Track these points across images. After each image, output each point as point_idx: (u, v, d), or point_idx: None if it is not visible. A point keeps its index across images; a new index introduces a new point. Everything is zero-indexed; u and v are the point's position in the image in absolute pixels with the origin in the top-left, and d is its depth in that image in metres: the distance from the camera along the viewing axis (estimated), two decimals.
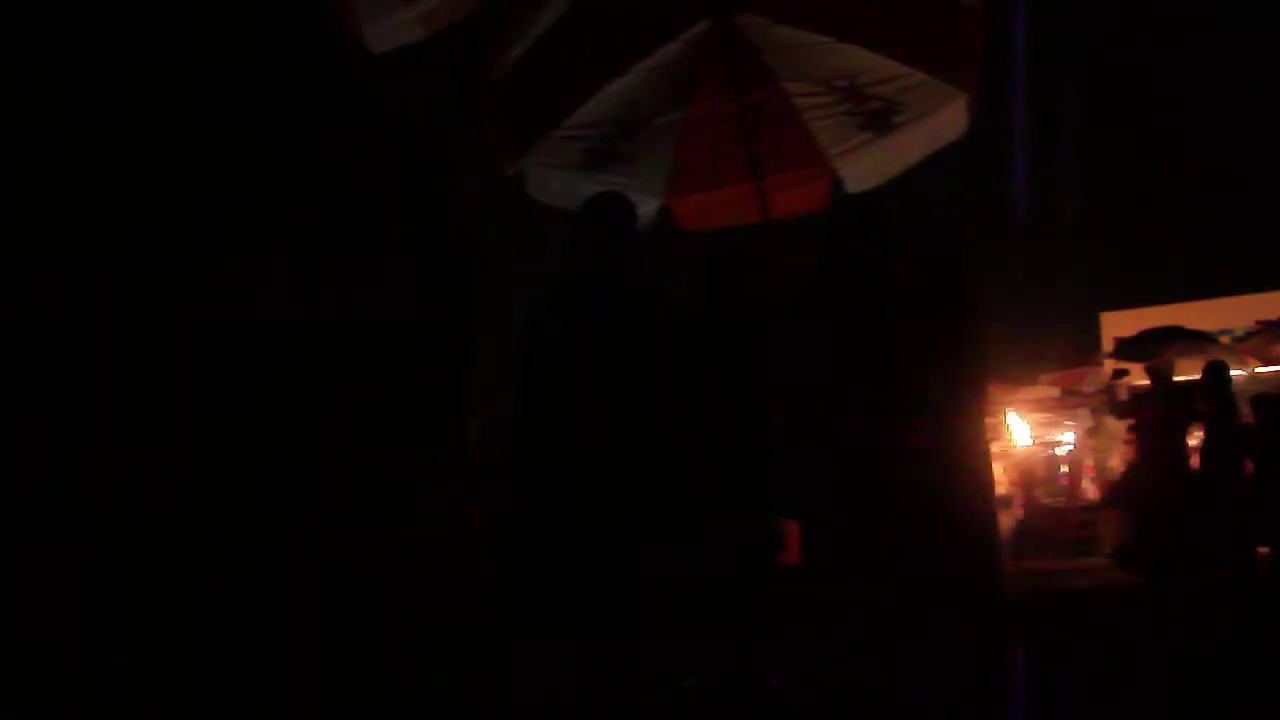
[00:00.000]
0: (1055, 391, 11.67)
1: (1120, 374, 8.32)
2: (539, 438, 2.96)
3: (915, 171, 4.58)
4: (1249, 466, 7.03)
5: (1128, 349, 8.85)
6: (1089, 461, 10.24)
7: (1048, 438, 11.30)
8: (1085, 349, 11.54)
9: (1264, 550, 7.07)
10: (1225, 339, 9.59)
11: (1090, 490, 9.70)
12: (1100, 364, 10.73)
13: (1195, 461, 7.03)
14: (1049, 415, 11.48)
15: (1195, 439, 7.14)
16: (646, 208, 4.72)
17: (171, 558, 1.65)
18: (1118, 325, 10.83)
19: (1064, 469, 10.54)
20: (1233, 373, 7.42)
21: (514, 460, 3.06)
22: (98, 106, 1.71)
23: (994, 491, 3.50)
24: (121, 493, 1.62)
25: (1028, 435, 11.27)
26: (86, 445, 1.62)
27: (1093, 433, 9.95)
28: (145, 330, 1.67)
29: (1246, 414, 7.23)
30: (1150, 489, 6.91)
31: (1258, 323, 10.14)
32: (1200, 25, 13.16)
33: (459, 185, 2.29)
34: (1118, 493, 7.85)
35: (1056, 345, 11.60)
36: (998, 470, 6.54)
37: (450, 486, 2.22)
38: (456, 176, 2.29)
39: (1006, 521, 8.10)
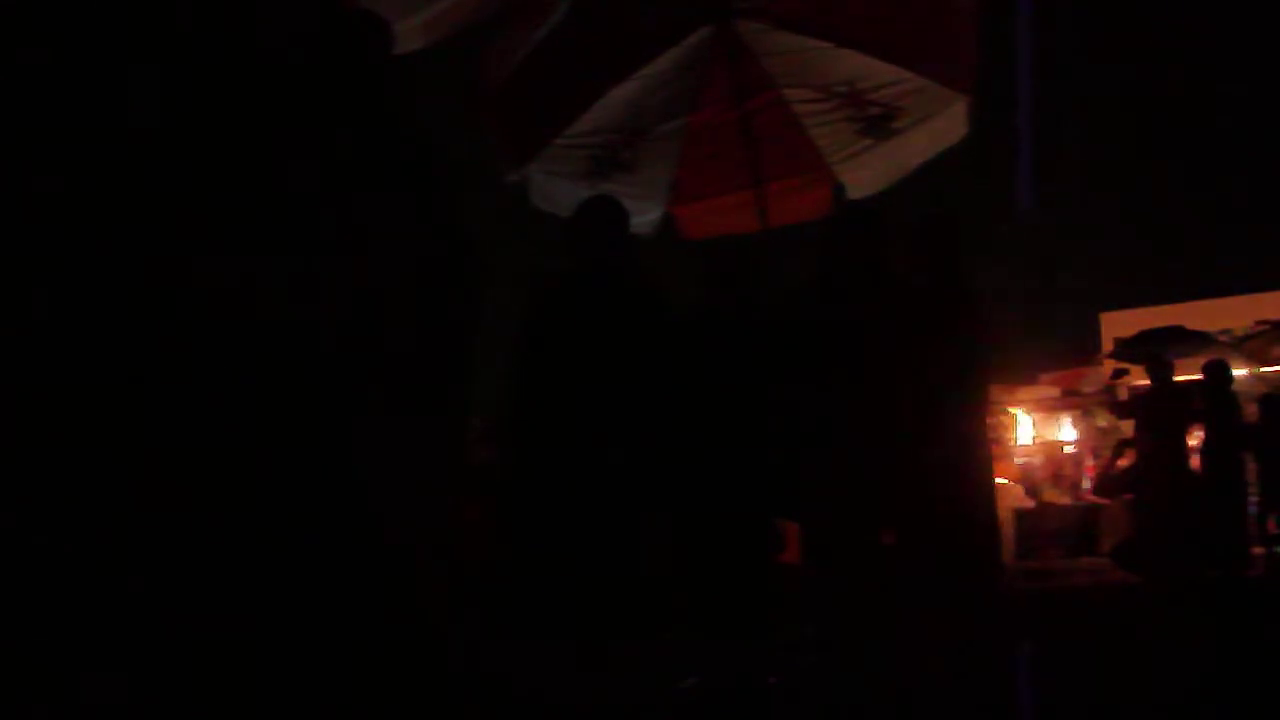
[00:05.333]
0: (1055, 391, 11.67)
1: (1120, 374, 8.34)
2: (534, 437, 2.99)
3: (915, 171, 4.60)
4: (1254, 466, 7.05)
5: (1128, 349, 8.86)
6: (1089, 461, 10.26)
7: (1048, 437, 11.32)
8: (1085, 349, 11.53)
9: (1262, 550, 7.11)
10: (1225, 339, 9.60)
11: (1091, 489, 9.72)
12: (1100, 364, 10.74)
13: (1195, 461, 7.05)
14: (1049, 415, 11.49)
15: (1195, 439, 7.16)
16: (650, 216, 4.74)
17: (168, 554, 1.68)
18: (1118, 325, 10.82)
19: (1065, 468, 10.55)
20: (1233, 372, 7.43)
21: (511, 460, 3.10)
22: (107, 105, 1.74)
23: (995, 491, 3.52)
24: (117, 490, 1.65)
25: (1029, 434, 11.29)
26: (83, 442, 1.65)
27: (1097, 432, 9.99)
28: (144, 327, 1.70)
29: (1249, 414, 7.25)
30: (1150, 489, 6.93)
31: (1258, 323, 10.13)
32: (1201, 25, 13.16)
33: (461, 190, 2.32)
34: (1110, 484, 7.87)
35: (1056, 345, 11.61)
36: (1000, 470, 6.57)
37: (450, 484, 2.25)
38: (458, 181, 2.32)
39: (1008, 520, 8.12)
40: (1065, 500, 9.64)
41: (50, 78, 1.72)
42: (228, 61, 1.91)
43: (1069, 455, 10.82)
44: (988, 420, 3.60)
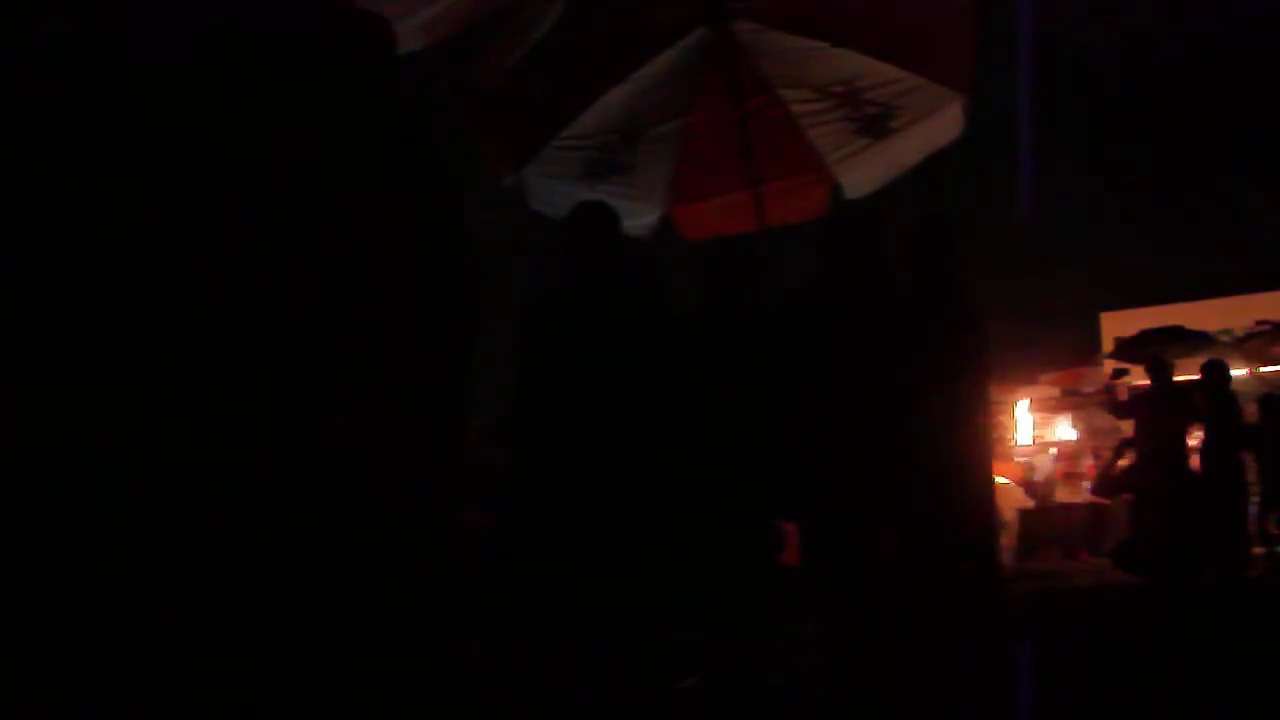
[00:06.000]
0: (1055, 391, 11.66)
1: (1120, 374, 8.34)
2: (535, 439, 3.01)
3: (914, 171, 4.61)
4: (1254, 466, 7.06)
5: (1128, 349, 8.86)
6: (1090, 461, 10.24)
7: (1048, 437, 11.31)
8: (1085, 349, 11.52)
9: (1262, 550, 7.11)
10: (1225, 339, 9.60)
11: (1091, 489, 9.69)
12: (1100, 364, 10.73)
13: (1195, 461, 7.05)
14: (1049, 415, 11.48)
15: (1195, 439, 7.16)
16: (648, 217, 4.76)
17: (166, 555, 1.68)
18: (1118, 325, 10.81)
19: (1077, 465, 10.53)
20: (1233, 372, 7.45)
21: (513, 460, 3.12)
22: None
23: (993, 492, 3.53)
24: (115, 490, 1.65)
25: (1029, 434, 11.28)
26: (81, 442, 1.65)
27: (1097, 432, 9.98)
28: (142, 327, 1.70)
29: (1250, 414, 7.26)
30: (1150, 489, 6.93)
31: (1258, 323, 10.13)
32: (1201, 24, 13.17)
33: (460, 191, 2.33)
34: (1110, 484, 7.88)
35: (1056, 345, 11.59)
36: (999, 470, 6.58)
37: (451, 484, 2.25)
38: (457, 182, 2.33)
39: (1007, 520, 8.13)
40: (1079, 499, 9.62)
41: (47, 78, 1.73)
42: (227, 62, 1.91)
43: (1078, 452, 10.79)
44: (988, 420, 3.60)
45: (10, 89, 1.72)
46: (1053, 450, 10.86)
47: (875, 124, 4.43)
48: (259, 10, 2.03)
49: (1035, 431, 11.33)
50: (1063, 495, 9.75)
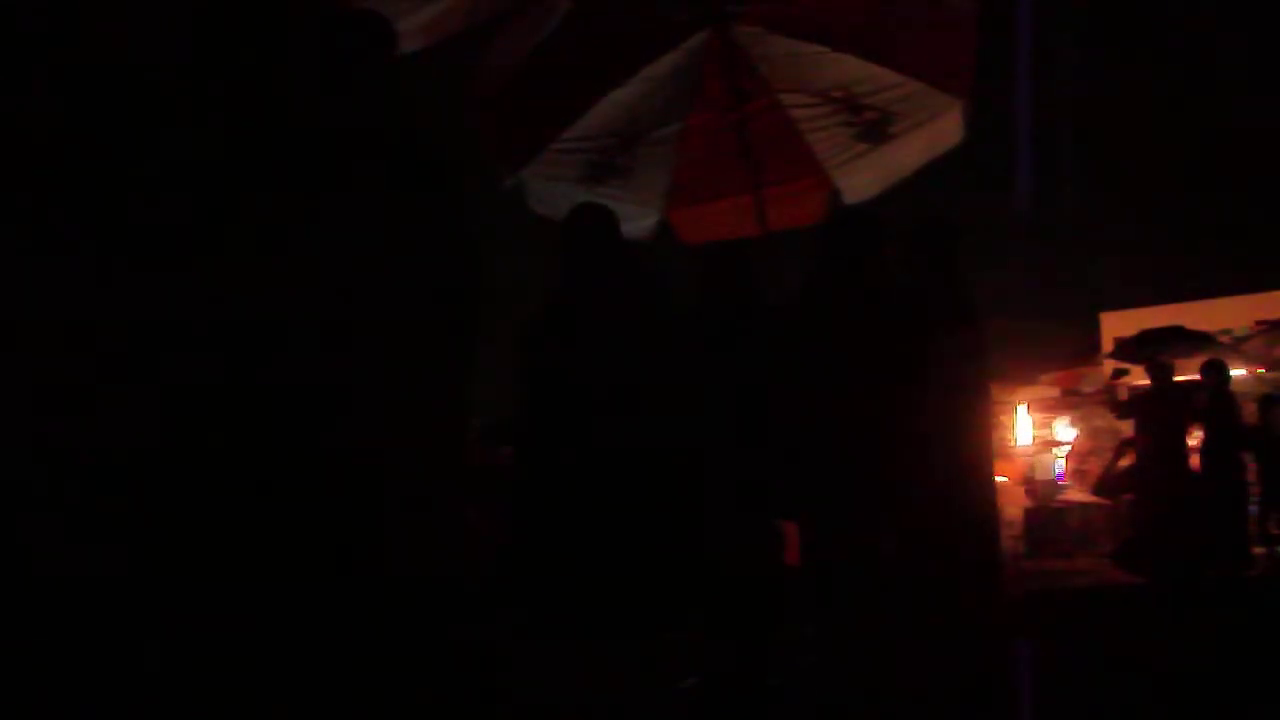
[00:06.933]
0: (1055, 391, 11.66)
1: (1120, 374, 8.33)
2: (539, 440, 3.01)
3: (913, 175, 4.61)
4: (1254, 466, 7.07)
5: (1128, 349, 8.85)
6: (1089, 461, 10.23)
7: (1048, 437, 11.29)
8: (1085, 349, 11.51)
9: (1262, 550, 7.12)
10: (1225, 339, 9.60)
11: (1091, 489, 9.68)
12: (1100, 364, 10.73)
13: (1195, 461, 7.06)
14: (1049, 415, 11.47)
15: (1195, 439, 7.17)
16: (646, 221, 4.76)
17: (164, 553, 1.68)
18: (1118, 325, 10.81)
19: (1064, 469, 10.53)
20: (1232, 372, 7.45)
21: (514, 463, 3.13)
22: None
23: (994, 492, 3.54)
24: (118, 490, 1.66)
25: (1029, 434, 11.26)
26: (85, 441, 1.66)
27: (1097, 433, 9.97)
28: (144, 326, 1.71)
29: (1250, 414, 7.27)
30: (1150, 489, 6.94)
31: (1258, 323, 10.13)
32: (1200, 23, 13.16)
33: (461, 191, 2.33)
34: (1110, 484, 7.88)
35: (1056, 345, 11.58)
36: (999, 470, 6.58)
37: (451, 485, 2.26)
38: (459, 182, 2.33)
39: (1007, 521, 8.12)
40: (1062, 501, 9.61)
41: (53, 82, 1.73)
42: (230, 63, 1.92)
43: (1068, 455, 10.79)
44: (988, 420, 3.61)
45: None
46: (1057, 450, 10.85)
47: (874, 129, 4.43)
48: (260, 11, 2.04)
49: (1035, 431, 11.31)
50: (1073, 494, 9.74)
